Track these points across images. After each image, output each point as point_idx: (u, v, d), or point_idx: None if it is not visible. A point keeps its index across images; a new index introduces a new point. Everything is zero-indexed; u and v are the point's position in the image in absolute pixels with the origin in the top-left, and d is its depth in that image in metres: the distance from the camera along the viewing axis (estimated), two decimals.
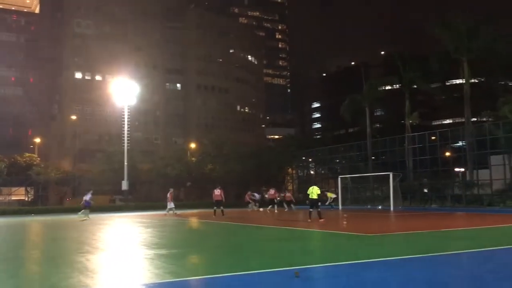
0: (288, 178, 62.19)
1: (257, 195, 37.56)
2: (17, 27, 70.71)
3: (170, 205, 30.32)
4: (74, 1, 71.57)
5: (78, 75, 71.62)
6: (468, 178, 37.65)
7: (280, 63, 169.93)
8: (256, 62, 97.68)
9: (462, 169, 41.55)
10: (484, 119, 41.02)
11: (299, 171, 59.06)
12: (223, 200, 27.56)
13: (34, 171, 49.78)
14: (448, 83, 70.85)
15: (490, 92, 40.71)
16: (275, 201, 33.16)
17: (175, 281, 7.56)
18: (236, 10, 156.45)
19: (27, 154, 53.66)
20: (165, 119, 77.09)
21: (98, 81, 71.25)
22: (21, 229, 23.20)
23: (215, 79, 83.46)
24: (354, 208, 37.10)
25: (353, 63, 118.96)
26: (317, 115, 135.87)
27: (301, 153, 55.73)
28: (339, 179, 40.92)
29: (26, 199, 56.88)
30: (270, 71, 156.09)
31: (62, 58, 70.77)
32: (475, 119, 44.13)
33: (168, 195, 31.06)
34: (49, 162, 57.22)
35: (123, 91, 43.58)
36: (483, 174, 36.46)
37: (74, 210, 41.84)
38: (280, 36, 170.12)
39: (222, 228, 20.18)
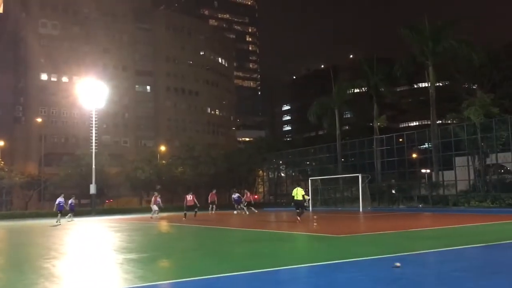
0: (259, 180, 62.33)
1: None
2: None
3: (154, 208, 30.37)
4: (40, 1, 69.92)
5: (44, 76, 70.01)
6: (434, 179, 38.55)
7: (251, 65, 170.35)
8: (226, 65, 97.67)
9: (428, 170, 42.53)
10: (449, 122, 42.11)
11: (270, 173, 59.29)
12: (197, 204, 28.62)
13: None
14: (414, 87, 72.58)
15: (454, 95, 41.82)
16: (244, 203, 33.10)
17: (144, 285, 7.47)
18: (206, 12, 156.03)
19: None
20: (134, 122, 76.13)
21: (65, 83, 69.81)
22: None
23: (185, 81, 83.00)
24: (324, 210, 37.48)
25: (322, 66, 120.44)
26: (288, 117, 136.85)
27: (271, 155, 55.96)
28: (309, 181, 41.27)
29: None
30: (240, 74, 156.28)
31: (26, 59, 68.98)
32: (440, 121, 45.26)
33: (153, 198, 31.50)
34: (14, 166, 55.65)
35: (91, 93, 42.76)
36: (448, 175, 37.41)
37: (39, 215, 40.91)
38: (250, 39, 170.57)
39: (192, 232, 20.06)
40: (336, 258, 9.66)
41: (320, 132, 79.64)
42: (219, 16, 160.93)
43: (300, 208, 20.86)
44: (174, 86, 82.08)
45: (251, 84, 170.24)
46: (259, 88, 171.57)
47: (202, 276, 8.15)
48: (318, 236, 15.42)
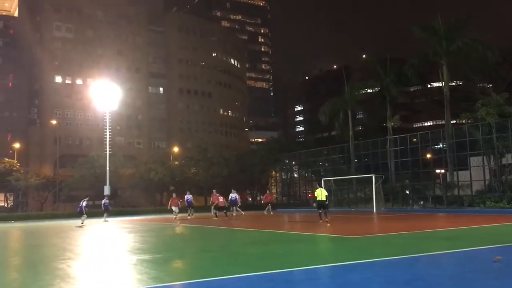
0: (272, 181, 62.29)
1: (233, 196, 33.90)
2: None
3: (174, 209, 30.24)
4: (54, 5, 70.79)
5: (58, 79, 70.80)
6: (448, 179, 38.15)
7: (263, 66, 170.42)
8: (239, 66, 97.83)
9: (443, 171, 42.12)
10: (463, 121, 41.65)
11: (282, 174, 59.21)
12: (226, 205, 30.15)
13: (14, 177, 48.99)
14: (428, 86, 71.89)
15: (469, 94, 41.34)
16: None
17: (158, 286, 7.51)
18: (218, 14, 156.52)
19: (7, 160, 52.87)
20: (147, 123, 76.61)
21: (79, 85, 70.53)
22: (0, 236, 22.78)
23: (197, 82, 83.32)
24: (337, 211, 37.32)
25: (335, 66, 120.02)
26: (300, 118, 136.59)
27: (284, 156, 55.87)
28: (322, 181, 41.12)
29: (6, 205, 55.99)
30: (253, 75, 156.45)
31: (41, 62, 69.85)
32: (455, 121, 44.81)
33: (170, 200, 31.57)
34: (29, 168, 56.37)
35: (105, 96, 43.13)
36: (463, 175, 36.99)
37: (55, 216, 41.40)
38: (262, 40, 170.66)
39: (205, 233, 20.11)
40: (350, 259, 9.61)
41: (333, 133, 79.34)
42: (231, 18, 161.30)
43: (322, 209, 20.97)
44: (187, 87, 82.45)
45: (264, 85, 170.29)
46: (271, 89, 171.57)
47: (215, 277, 8.17)
48: (332, 237, 15.35)
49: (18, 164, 53.62)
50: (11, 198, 56.76)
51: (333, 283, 7.42)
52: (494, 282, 7.08)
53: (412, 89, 77.42)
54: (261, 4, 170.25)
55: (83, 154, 57.27)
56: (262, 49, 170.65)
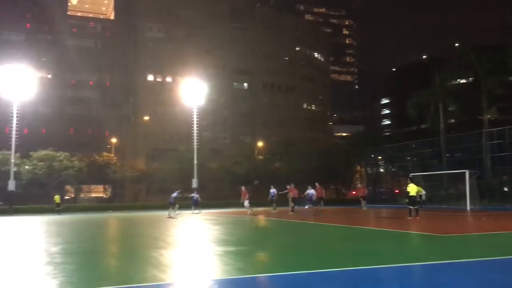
0: (357, 176, 61.03)
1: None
2: (94, 33, 74.89)
3: (245, 203, 29.65)
4: (146, 6, 74.60)
5: (150, 77, 74.62)
6: None
7: (347, 59, 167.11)
8: (322, 59, 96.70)
9: None
10: None
11: (368, 169, 57.79)
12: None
13: (111, 170, 52.45)
14: None
15: None
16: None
17: (242, 277, 7.69)
18: (301, 8, 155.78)
19: (105, 154, 56.60)
20: (232, 118, 78.31)
21: (169, 82, 73.82)
22: (100, 224, 24.59)
23: (281, 77, 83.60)
24: (426, 208, 35.71)
25: (424, 56, 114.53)
26: (387, 111, 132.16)
27: (370, 150, 54.46)
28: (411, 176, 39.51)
29: (104, 196, 60.26)
30: (337, 68, 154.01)
31: (135, 62, 74.05)
32: None
33: (242, 194, 30.71)
34: (125, 161, 59.99)
35: (192, 92, 44.87)
36: None
37: (147, 207, 43.90)
38: (347, 32, 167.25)
39: (289, 226, 20.21)
40: (440, 259, 9.17)
41: (422, 126, 75.94)
42: (315, 11, 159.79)
43: (413, 204, 20.40)
44: (271, 82, 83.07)
45: (348, 78, 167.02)
46: (356, 82, 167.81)
47: (298, 271, 8.20)
48: (421, 235, 14.75)
49: (115, 158, 57.23)
50: (109, 190, 60.90)
51: (420, 283, 7.12)
52: None
53: (511, 78, 71.79)
54: None
55: (172, 148, 59.87)
56: (347, 41, 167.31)
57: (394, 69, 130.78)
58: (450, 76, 45.78)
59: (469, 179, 33.71)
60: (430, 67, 49.05)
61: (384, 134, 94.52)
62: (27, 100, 40.33)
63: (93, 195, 60.89)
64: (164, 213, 29.79)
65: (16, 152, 40.03)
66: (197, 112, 45.15)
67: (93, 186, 59.72)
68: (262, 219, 24.90)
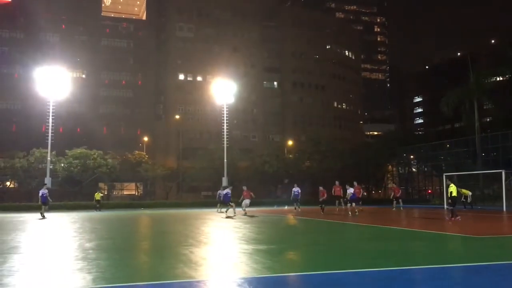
0: (388, 175, 60.15)
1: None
2: (126, 33, 76.22)
3: (245, 202, 27.85)
4: (176, 7, 75.48)
5: (181, 76, 75.48)
6: None
7: (379, 57, 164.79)
8: (353, 57, 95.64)
9: None
10: None
11: (400, 168, 56.83)
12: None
13: (143, 168, 53.30)
14: None
15: None
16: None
17: (273, 276, 7.69)
18: (332, 5, 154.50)
19: (137, 152, 57.56)
20: (262, 117, 78.40)
21: (199, 81, 74.48)
22: (132, 222, 25.04)
23: (311, 76, 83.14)
24: (461, 208, 34.85)
25: (458, 54, 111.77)
26: (419, 110, 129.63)
27: (401, 149, 53.56)
28: (444, 177, 38.69)
29: (136, 193, 61.31)
30: (368, 66, 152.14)
31: (166, 61, 75.00)
32: None
33: (244, 193, 28.63)
34: (156, 160, 60.85)
35: (222, 91, 45.15)
36: None
37: (178, 205, 44.44)
38: (378, 30, 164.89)
39: (319, 226, 20.09)
40: (475, 261, 8.95)
41: (456, 125, 74.25)
42: (346, 8, 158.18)
43: (453, 205, 20.11)
44: (301, 81, 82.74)
45: (379, 76, 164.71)
46: (387, 80, 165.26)
47: (327, 270, 8.14)
48: (455, 236, 14.41)
49: (147, 156, 58.12)
50: (141, 187, 61.92)
51: (453, 286, 6.95)
52: None
53: None
54: None
55: (203, 147, 60.36)
56: (378, 39, 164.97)
57: (427, 67, 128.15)
58: (485, 73, 44.50)
59: (505, 180, 32.73)
60: (465, 64, 47.75)
61: (416, 133, 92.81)
62: (62, 99, 41.43)
63: (125, 192, 62.05)
64: (195, 211, 30.09)
65: (52, 150, 41.19)
66: (227, 111, 45.41)
67: (125, 184, 60.84)
68: (292, 219, 24.83)
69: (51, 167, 41.05)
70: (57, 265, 9.10)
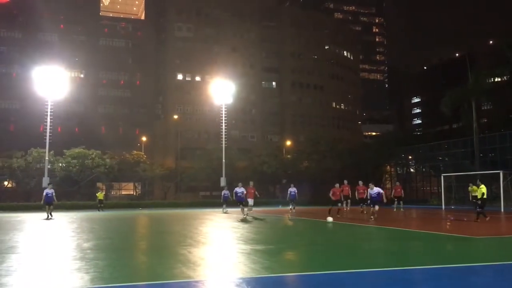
0: (387, 176, 60.20)
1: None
2: (125, 33, 76.09)
3: (250, 202, 26.65)
4: (176, 6, 75.43)
5: (180, 76, 75.40)
6: None
7: (377, 57, 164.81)
8: (351, 58, 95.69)
9: None
10: None
11: (398, 168, 56.86)
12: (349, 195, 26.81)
13: (141, 167, 53.21)
14: None
15: None
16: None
17: (271, 276, 7.68)
18: (331, 6, 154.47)
19: (135, 152, 57.44)
20: (261, 117, 78.39)
21: (198, 81, 74.42)
22: (130, 221, 25.01)
23: (310, 76, 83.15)
24: (459, 209, 34.92)
25: (457, 54, 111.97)
26: (417, 110, 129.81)
27: (400, 150, 53.59)
28: (442, 177, 38.76)
29: (134, 193, 61.22)
30: (366, 66, 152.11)
31: (165, 61, 74.94)
32: None
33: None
34: (155, 160, 60.77)
35: (221, 91, 45.12)
36: None
37: (176, 205, 44.42)
38: (377, 30, 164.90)
39: (317, 226, 20.08)
40: (473, 261, 8.95)
41: (454, 126, 74.35)
42: (344, 9, 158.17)
43: (482, 207, 20.22)
44: (299, 81, 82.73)
45: (378, 76, 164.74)
46: (386, 80, 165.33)
47: (326, 270, 8.13)
48: (454, 237, 14.41)
49: (145, 156, 58.01)
50: (139, 187, 61.83)
51: (453, 285, 6.95)
52: None
53: None
54: None
55: (201, 147, 60.34)
56: (377, 39, 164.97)
57: (425, 67, 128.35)
58: (484, 74, 44.56)
59: (503, 180, 32.78)
60: (464, 64, 47.83)
61: (414, 133, 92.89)
62: (60, 99, 41.32)
63: (123, 192, 61.97)
64: (193, 211, 30.07)
65: (50, 150, 41.09)
66: (226, 111, 45.38)
67: (123, 184, 60.76)
68: (291, 219, 24.80)
69: (49, 167, 40.95)
70: (55, 265, 9.08)
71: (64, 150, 48.27)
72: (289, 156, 59.20)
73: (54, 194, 26.74)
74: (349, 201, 27.76)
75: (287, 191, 30.02)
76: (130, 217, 28.12)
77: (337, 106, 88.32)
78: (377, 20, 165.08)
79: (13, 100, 66.12)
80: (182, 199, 52.38)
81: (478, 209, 20.08)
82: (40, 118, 41.92)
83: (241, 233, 16.14)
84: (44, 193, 26.74)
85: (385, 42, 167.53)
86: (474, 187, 21.83)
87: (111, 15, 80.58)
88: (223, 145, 44.47)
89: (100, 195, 38.67)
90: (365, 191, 24.45)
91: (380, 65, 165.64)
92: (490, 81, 44.31)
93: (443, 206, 35.75)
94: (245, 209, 25.31)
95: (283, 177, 54.29)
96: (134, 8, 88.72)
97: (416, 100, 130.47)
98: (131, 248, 12.44)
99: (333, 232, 17.28)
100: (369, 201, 22.42)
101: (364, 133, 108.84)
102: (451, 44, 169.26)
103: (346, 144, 63.43)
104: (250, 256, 9.86)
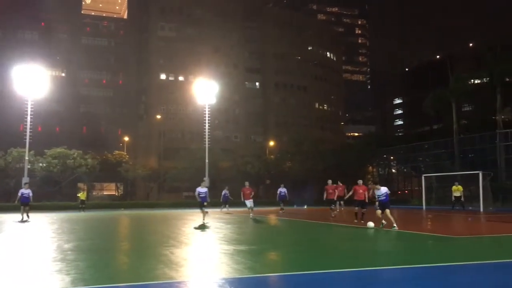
0: (369, 176, 60.75)
1: None
2: (107, 32, 75.39)
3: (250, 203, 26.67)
4: (158, 6, 74.99)
5: (163, 76, 74.98)
6: None
7: (360, 59, 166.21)
8: (335, 59, 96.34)
9: None
10: None
11: (379, 169, 57.42)
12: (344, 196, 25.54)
13: (123, 168, 52.74)
14: None
15: None
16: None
17: (254, 276, 7.69)
18: (314, 7, 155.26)
19: (117, 152, 56.95)
20: (244, 118, 78.41)
21: (181, 81, 74.09)
22: (112, 222, 24.76)
23: (293, 77, 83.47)
24: (439, 209, 35.41)
25: (438, 56, 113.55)
26: (399, 111, 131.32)
27: (382, 150, 54.13)
28: (423, 178, 39.26)
29: (116, 194, 60.67)
30: (349, 68, 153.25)
31: (148, 61, 74.44)
32: None
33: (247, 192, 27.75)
34: (137, 160, 60.34)
35: (204, 91, 44.98)
36: None
37: (159, 205, 44.11)
38: (360, 32, 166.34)
39: (301, 226, 20.15)
40: (453, 260, 9.08)
41: (435, 127, 75.38)
42: (328, 10, 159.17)
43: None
44: (283, 82, 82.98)
45: (361, 77, 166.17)
46: (369, 82, 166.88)
47: (310, 270, 8.17)
48: (433, 236, 14.60)
49: (127, 156, 57.55)
50: (121, 188, 61.30)
51: (433, 285, 7.04)
52: None
53: None
54: None
55: (184, 147, 60.05)
56: (359, 41, 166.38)
57: (407, 69, 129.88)
58: (464, 76, 45.31)
59: (483, 181, 33.32)
60: (444, 66, 48.54)
61: (396, 134, 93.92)
62: (41, 98, 40.69)
63: (105, 193, 61.37)
64: (176, 211, 29.91)
65: (30, 149, 40.44)
66: (209, 111, 45.26)
67: (105, 184, 60.19)
68: (274, 219, 24.85)
69: (29, 166, 40.27)
70: (34, 267, 8.94)
71: (45, 150, 47.56)
72: (272, 157, 59.33)
73: (31, 194, 24.96)
74: (342, 202, 26.99)
75: (277, 191, 30.02)
76: (112, 218, 27.84)
77: (320, 107, 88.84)
78: (359, 22, 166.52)
79: None
80: (165, 199, 52.08)
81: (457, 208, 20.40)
82: (20, 117, 41.22)
83: (224, 233, 16.12)
84: (20, 193, 24.90)
85: (367, 44, 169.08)
86: (458, 187, 22.01)
87: (93, 13, 79.71)
88: (207, 145, 44.34)
89: (82, 195, 38.23)
90: (334, 191, 23.66)
91: (362, 67, 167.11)
92: (470, 83, 45.05)
93: (424, 206, 36.18)
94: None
95: (266, 178, 54.37)
96: (117, 7, 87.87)
97: (398, 101, 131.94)
98: (113, 249, 12.32)
99: (317, 233, 17.36)
100: (377, 204, 19.76)
101: (347, 134, 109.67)
102: (433, 46, 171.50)
103: (329, 145, 63.84)
104: (233, 257, 9.85)
